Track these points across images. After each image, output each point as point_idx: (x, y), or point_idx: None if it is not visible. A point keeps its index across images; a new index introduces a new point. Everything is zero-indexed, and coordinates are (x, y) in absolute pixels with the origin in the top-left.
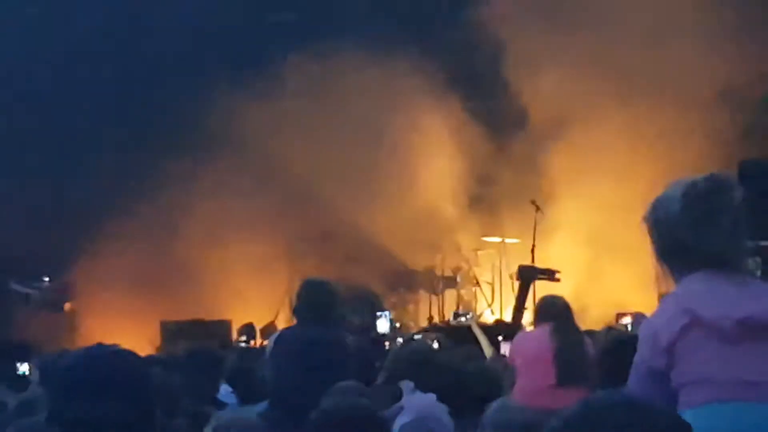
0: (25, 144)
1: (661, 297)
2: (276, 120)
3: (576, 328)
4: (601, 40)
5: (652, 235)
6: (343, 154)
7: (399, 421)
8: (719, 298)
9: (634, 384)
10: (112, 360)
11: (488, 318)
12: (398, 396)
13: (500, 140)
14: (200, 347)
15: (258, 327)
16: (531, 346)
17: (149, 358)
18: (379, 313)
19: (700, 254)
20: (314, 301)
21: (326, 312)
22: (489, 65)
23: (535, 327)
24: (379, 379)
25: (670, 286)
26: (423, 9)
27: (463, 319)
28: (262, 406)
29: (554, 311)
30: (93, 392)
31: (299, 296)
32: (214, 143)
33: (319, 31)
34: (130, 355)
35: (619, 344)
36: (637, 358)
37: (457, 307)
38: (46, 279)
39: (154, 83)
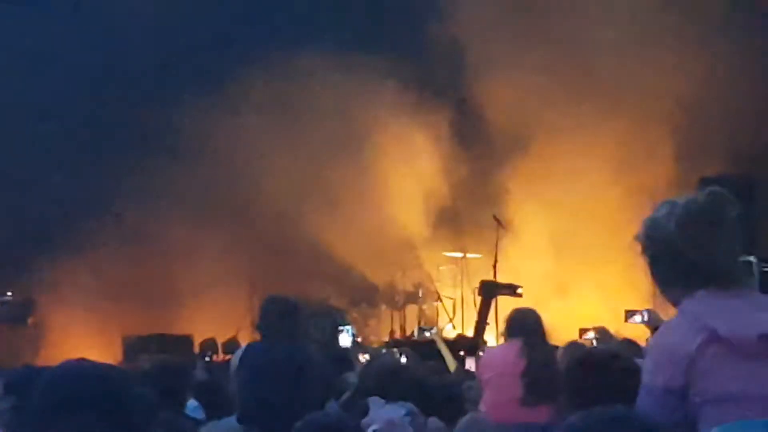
0: None
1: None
2: (240, 134)
3: (546, 344)
4: (564, 52)
5: (648, 255)
6: (305, 169)
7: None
8: (732, 313)
9: (647, 406)
10: (91, 374)
11: (450, 333)
12: (366, 411)
13: (462, 155)
14: (167, 360)
15: (220, 342)
16: (500, 361)
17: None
18: (341, 328)
19: (703, 271)
20: (278, 317)
21: (290, 327)
22: (451, 78)
23: (505, 340)
24: (347, 393)
25: (667, 305)
26: (385, 21)
27: (426, 333)
28: (231, 420)
29: (525, 326)
30: (74, 408)
31: (262, 312)
32: (176, 159)
33: (281, 44)
34: (109, 367)
35: (582, 361)
36: (647, 379)
37: (420, 322)
38: (9, 294)
39: (120, 96)
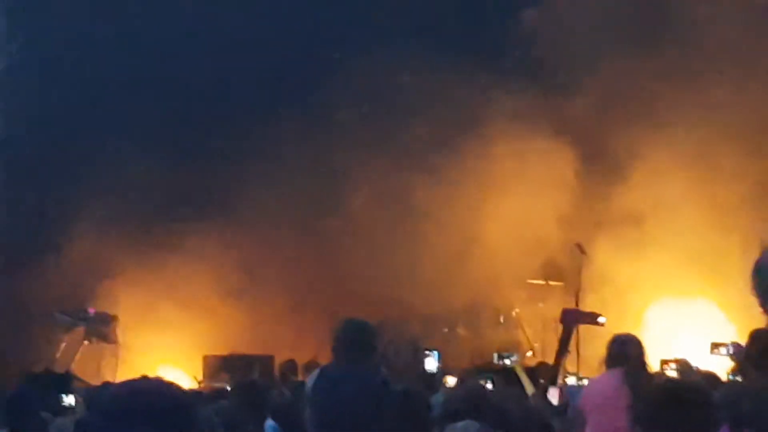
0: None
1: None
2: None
3: (648, 373)
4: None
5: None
6: (388, 186)
7: None
8: None
9: None
10: (155, 391)
11: (530, 360)
12: None
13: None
14: (246, 381)
15: (300, 363)
16: (602, 391)
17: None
18: (427, 352)
19: None
20: (353, 341)
21: (366, 351)
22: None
23: (606, 368)
24: (433, 418)
25: None
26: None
27: (507, 361)
28: None
29: (627, 354)
30: (134, 423)
31: (338, 335)
32: (258, 177)
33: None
34: (173, 387)
35: (663, 392)
36: None
37: (499, 349)
38: (91, 310)
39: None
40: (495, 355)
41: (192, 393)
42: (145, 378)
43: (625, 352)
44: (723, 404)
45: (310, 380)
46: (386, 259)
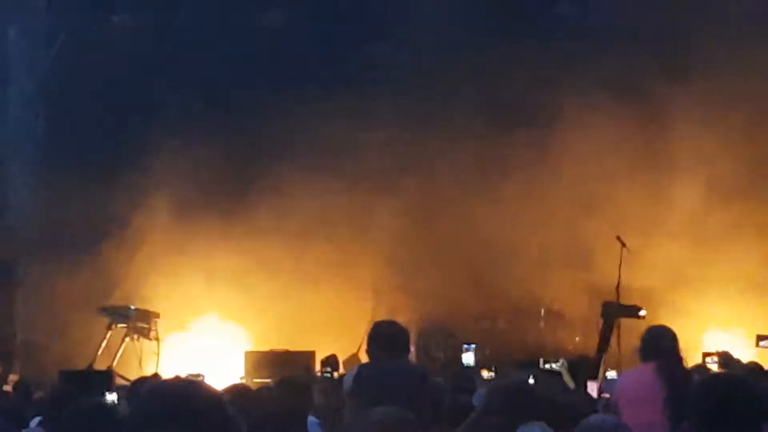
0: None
1: None
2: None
3: (683, 366)
4: None
5: None
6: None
7: None
8: None
9: None
10: (186, 391)
11: (572, 352)
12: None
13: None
14: (289, 377)
15: (341, 359)
16: (636, 385)
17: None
18: (465, 347)
19: None
20: (389, 341)
21: (400, 349)
22: None
23: (641, 361)
24: (473, 413)
25: None
26: None
27: (554, 365)
28: None
29: (661, 347)
30: (165, 422)
31: (372, 336)
32: (301, 167)
33: None
34: (204, 386)
35: (710, 386)
36: None
37: (540, 347)
38: (132, 307)
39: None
40: (540, 360)
41: (217, 393)
42: (178, 379)
43: (659, 345)
44: None
45: (348, 377)
46: (432, 253)
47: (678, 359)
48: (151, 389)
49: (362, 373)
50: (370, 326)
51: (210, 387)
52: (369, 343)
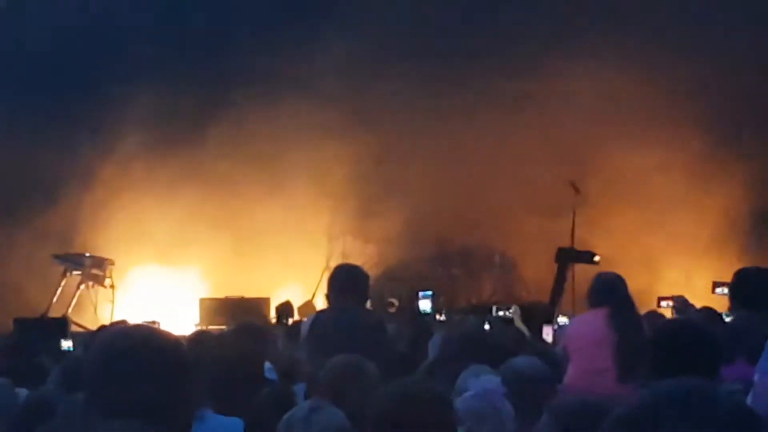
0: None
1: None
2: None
3: (635, 312)
4: None
5: None
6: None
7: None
8: None
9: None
10: (146, 337)
11: (525, 297)
12: (452, 378)
13: None
14: (245, 323)
15: (296, 306)
16: (587, 331)
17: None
18: (420, 293)
19: None
20: (347, 286)
21: (358, 295)
22: None
23: (590, 307)
24: (428, 360)
25: None
26: None
27: (507, 312)
28: (301, 387)
29: (613, 293)
30: (126, 377)
31: (332, 281)
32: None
33: None
34: (164, 333)
35: (667, 331)
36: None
37: (494, 293)
38: (87, 254)
39: None
40: (493, 308)
41: (195, 334)
42: (135, 326)
43: (612, 290)
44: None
45: (305, 324)
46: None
47: (631, 305)
48: (111, 335)
49: (319, 319)
50: (323, 272)
51: (169, 333)
52: (328, 288)
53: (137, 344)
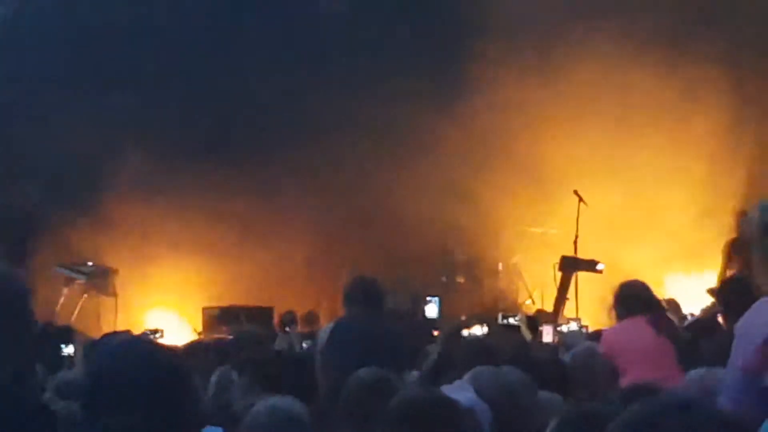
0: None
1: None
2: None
3: (669, 317)
4: None
5: (756, 240)
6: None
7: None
8: None
9: (729, 384)
10: (145, 358)
11: (530, 308)
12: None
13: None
14: (247, 330)
15: (299, 315)
16: (637, 340)
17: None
18: (428, 299)
19: None
20: (365, 296)
21: (376, 304)
22: None
23: (620, 317)
24: (429, 364)
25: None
26: None
27: (512, 320)
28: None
29: (647, 299)
30: (124, 400)
31: (349, 291)
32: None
33: None
34: (164, 352)
35: None
36: (732, 357)
37: (497, 301)
38: (90, 263)
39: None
40: (499, 315)
41: (193, 345)
42: (135, 343)
43: (646, 298)
44: None
45: (323, 333)
46: (390, 209)
47: (664, 309)
48: (109, 352)
49: (339, 328)
50: (332, 281)
51: (170, 352)
52: (345, 298)
53: (134, 366)
